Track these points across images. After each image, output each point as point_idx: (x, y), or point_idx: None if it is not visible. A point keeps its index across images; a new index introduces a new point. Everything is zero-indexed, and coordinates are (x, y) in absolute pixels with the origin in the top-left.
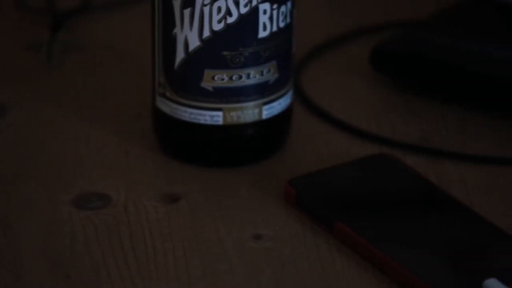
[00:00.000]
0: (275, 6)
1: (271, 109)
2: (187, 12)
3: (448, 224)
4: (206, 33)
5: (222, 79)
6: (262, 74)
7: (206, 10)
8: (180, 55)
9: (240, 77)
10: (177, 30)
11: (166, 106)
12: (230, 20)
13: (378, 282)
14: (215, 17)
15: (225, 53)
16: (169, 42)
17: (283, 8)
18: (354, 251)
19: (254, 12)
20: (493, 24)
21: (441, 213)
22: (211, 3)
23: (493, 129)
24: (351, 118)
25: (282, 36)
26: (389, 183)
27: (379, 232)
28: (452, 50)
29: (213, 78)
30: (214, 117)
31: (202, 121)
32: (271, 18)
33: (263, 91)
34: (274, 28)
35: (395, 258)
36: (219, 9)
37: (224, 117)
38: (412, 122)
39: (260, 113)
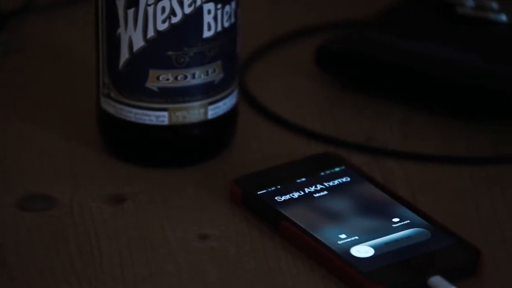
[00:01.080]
0: (219, 6)
1: (217, 109)
2: (131, 12)
3: (394, 223)
4: (151, 33)
5: (167, 79)
6: (207, 74)
7: (150, 10)
8: (124, 55)
9: (185, 77)
10: (121, 30)
11: (110, 107)
12: (174, 20)
13: (324, 281)
14: (159, 17)
15: (170, 53)
16: (113, 43)
17: (227, 8)
18: (300, 250)
19: (199, 12)
20: (436, 23)
21: (385, 210)
22: (155, 3)
23: (437, 127)
24: (297, 117)
25: (226, 36)
26: (334, 182)
27: (325, 231)
28: (396, 49)
29: (158, 78)
30: (160, 117)
31: (147, 122)
32: (215, 18)
33: (209, 91)
34: (219, 28)
35: (341, 257)
36: (163, 9)
37: (170, 117)
38: (357, 121)
39: (205, 113)
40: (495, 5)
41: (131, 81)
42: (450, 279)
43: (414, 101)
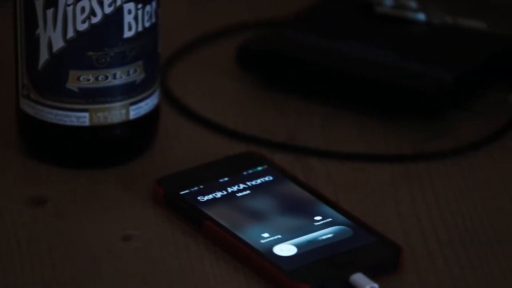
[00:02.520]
0: (140, 5)
1: (138, 109)
2: (50, 12)
3: (316, 221)
4: (70, 33)
5: (88, 80)
6: (128, 74)
7: (70, 10)
8: (43, 56)
9: (106, 77)
10: (40, 30)
11: (30, 108)
12: (94, 20)
13: (248, 280)
14: (79, 17)
15: (90, 53)
16: (32, 43)
17: (148, 8)
18: (223, 249)
19: (119, 12)
20: (355, 22)
21: (307, 209)
22: (75, 3)
23: (358, 126)
24: (219, 117)
25: (147, 36)
26: (256, 181)
27: (248, 230)
28: (316, 48)
29: (78, 78)
30: (81, 118)
31: (68, 123)
32: (136, 18)
33: (130, 91)
34: (140, 28)
35: (264, 256)
36: (83, 9)
37: (91, 118)
38: (278, 120)
39: (127, 113)
40: (413, 4)
41: (51, 82)
42: (371, 276)
43: (335, 99)
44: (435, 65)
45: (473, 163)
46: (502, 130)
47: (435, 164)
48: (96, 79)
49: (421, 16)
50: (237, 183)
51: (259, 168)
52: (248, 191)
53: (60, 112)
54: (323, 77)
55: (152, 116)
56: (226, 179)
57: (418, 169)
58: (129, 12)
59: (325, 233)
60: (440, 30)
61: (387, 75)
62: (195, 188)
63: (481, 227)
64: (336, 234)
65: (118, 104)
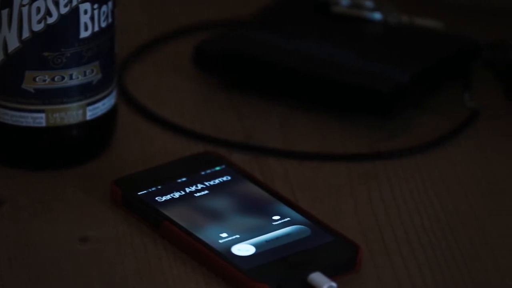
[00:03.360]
0: (96, 6)
1: (95, 110)
2: (5, 12)
3: (274, 220)
4: (26, 34)
5: (44, 80)
6: (85, 74)
7: (25, 10)
8: None
9: (63, 78)
10: None
11: None
12: (50, 20)
13: (206, 280)
14: (35, 18)
15: (46, 54)
16: None
17: (104, 8)
18: (181, 249)
19: (75, 12)
20: (312, 22)
21: (265, 209)
22: (30, 3)
23: (315, 125)
24: (176, 117)
25: (104, 36)
26: (214, 181)
27: (206, 230)
28: (273, 48)
29: (34, 79)
30: (37, 119)
31: (24, 124)
32: (92, 18)
33: (87, 92)
34: (96, 28)
35: (222, 256)
36: (38, 9)
37: (47, 118)
38: (236, 119)
39: (84, 114)
40: (370, 4)
41: (6, 82)
42: (329, 275)
43: (293, 99)
44: (392, 64)
45: (429, 162)
46: (458, 128)
47: (392, 162)
48: (52, 79)
49: (378, 16)
50: (195, 183)
51: (217, 168)
52: (206, 191)
53: (16, 113)
54: (280, 76)
55: (109, 117)
56: (184, 179)
57: (375, 168)
58: (85, 12)
59: (283, 233)
60: (396, 30)
61: (344, 75)
62: (153, 189)
63: (438, 224)
64: (294, 233)
65: (75, 104)
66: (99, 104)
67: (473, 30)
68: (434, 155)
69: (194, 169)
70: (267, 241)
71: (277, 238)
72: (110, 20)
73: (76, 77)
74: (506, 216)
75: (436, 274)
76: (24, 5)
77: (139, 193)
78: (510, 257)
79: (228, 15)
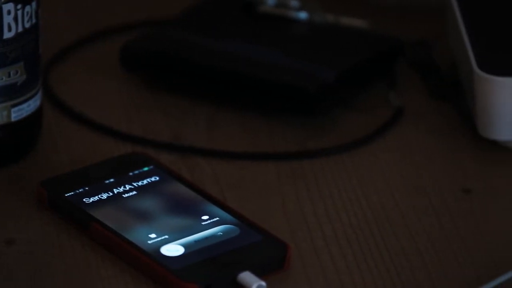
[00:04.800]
0: (19, 6)
1: (20, 111)
2: None
3: (203, 220)
4: None
5: None
6: (9, 75)
7: None
8: None
9: None
10: None
11: None
12: None
13: (135, 281)
14: None
15: None
16: None
17: (27, 8)
18: (110, 251)
19: None
20: (238, 22)
21: (194, 209)
22: None
23: (243, 124)
24: (103, 118)
25: (28, 36)
26: (142, 182)
27: (134, 231)
28: (199, 47)
29: None
30: None
31: None
32: (15, 19)
33: (11, 93)
34: (20, 29)
35: (151, 256)
36: None
37: None
38: (163, 120)
39: (8, 115)
40: (295, 3)
41: None
42: (259, 274)
43: (220, 99)
44: (318, 63)
45: (356, 160)
46: (383, 126)
47: (320, 161)
48: None
49: (303, 15)
50: (123, 184)
51: (145, 169)
52: (134, 192)
53: None
54: (207, 76)
55: (34, 118)
56: (112, 180)
57: (303, 167)
58: (9, 12)
59: (212, 232)
60: (322, 29)
61: (271, 74)
62: (80, 190)
63: (365, 222)
64: (223, 233)
65: None
66: (24, 106)
67: (398, 29)
68: (360, 153)
69: (122, 170)
70: (196, 241)
71: (206, 238)
72: (34, 20)
73: (0, 78)
74: (431, 212)
75: (363, 271)
76: None
77: (66, 195)
78: (435, 253)
79: (157, 15)
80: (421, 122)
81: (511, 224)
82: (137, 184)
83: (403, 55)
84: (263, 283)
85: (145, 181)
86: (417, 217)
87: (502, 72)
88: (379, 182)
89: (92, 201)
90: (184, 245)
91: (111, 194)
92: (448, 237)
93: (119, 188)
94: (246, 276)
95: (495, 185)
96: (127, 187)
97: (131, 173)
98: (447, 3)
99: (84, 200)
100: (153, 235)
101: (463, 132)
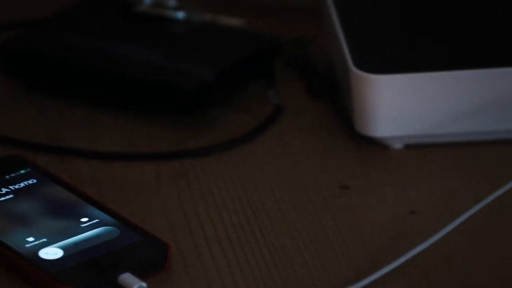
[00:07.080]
0: None
1: None
2: None
3: (83, 222)
4: None
5: None
6: None
7: None
8: None
9: None
10: None
11: None
12: None
13: (12, 286)
14: None
15: None
16: None
17: None
18: None
19: None
20: (115, 22)
21: (73, 211)
22: None
23: (121, 125)
24: None
25: None
26: (19, 185)
27: (12, 235)
28: (75, 47)
29: None
30: None
31: None
32: None
33: None
34: None
35: (29, 260)
36: None
37: None
38: (40, 121)
39: None
40: (172, 3)
41: None
42: (140, 275)
43: (98, 99)
44: (197, 62)
45: (236, 158)
46: (262, 125)
47: (200, 160)
48: None
49: (180, 15)
50: None
51: (22, 171)
52: (11, 195)
53: None
54: (84, 76)
55: None
56: None
57: (183, 166)
58: None
59: (92, 235)
60: (199, 28)
61: (149, 74)
62: None
63: (246, 221)
64: (103, 234)
65: None
66: None
67: (277, 29)
68: (240, 151)
69: None
70: (76, 244)
71: (86, 240)
72: None
73: None
74: (310, 209)
75: (244, 270)
76: None
77: None
78: (315, 250)
79: (29, 16)
80: (300, 120)
81: (388, 219)
82: (13, 187)
83: (281, 54)
84: (144, 284)
85: (22, 184)
86: (297, 214)
87: (377, 70)
88: (259, 180)
89: None
90: (63, 248)
91: None
92: (327, 233)
93: None
94: (126, 278)
95: (372, 181)
96: (3, 190)
97: (7, 176)
98: (323, 2)
99: None
100: (31, 239)
101: (341, 129)
